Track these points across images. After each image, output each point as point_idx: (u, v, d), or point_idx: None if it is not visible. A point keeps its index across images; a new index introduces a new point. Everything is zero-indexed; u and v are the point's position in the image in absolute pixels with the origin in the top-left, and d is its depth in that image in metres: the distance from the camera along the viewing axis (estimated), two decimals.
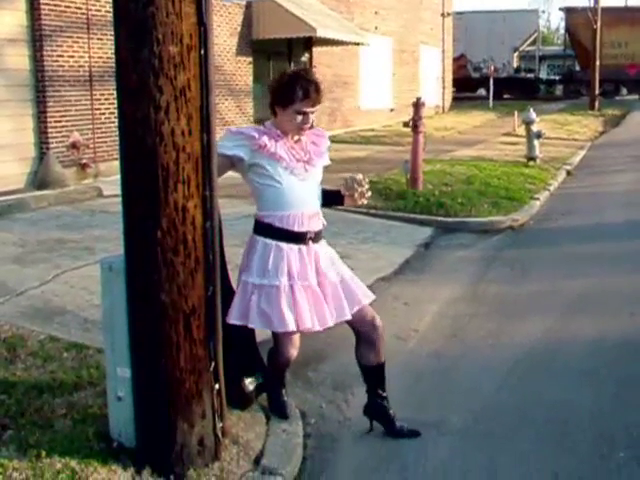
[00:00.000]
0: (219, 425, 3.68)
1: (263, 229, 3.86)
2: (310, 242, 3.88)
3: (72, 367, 4.66)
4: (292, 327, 3.79)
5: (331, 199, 4.08)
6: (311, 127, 3.92)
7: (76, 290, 6.38)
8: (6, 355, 4.82)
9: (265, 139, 3.77)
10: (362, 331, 4.04)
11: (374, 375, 4.17)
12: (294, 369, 4.56)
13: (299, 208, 3.84)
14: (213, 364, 3.61)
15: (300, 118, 3.80)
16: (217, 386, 3.65)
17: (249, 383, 4.23)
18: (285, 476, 3.69)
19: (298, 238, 3.84)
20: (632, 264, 7.96)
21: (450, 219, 10.10)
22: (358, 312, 3.97)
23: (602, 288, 7.09)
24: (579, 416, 4.46)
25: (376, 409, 4.22)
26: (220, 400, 3.70)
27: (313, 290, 3.84)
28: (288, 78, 3.82)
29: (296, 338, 4.04)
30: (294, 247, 3.83)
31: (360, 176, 3.98)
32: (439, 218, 10.10)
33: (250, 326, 3.88)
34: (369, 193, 4.01)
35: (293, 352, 4.07)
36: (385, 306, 6.39)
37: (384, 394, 4.20)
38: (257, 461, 3.75)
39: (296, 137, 3.91)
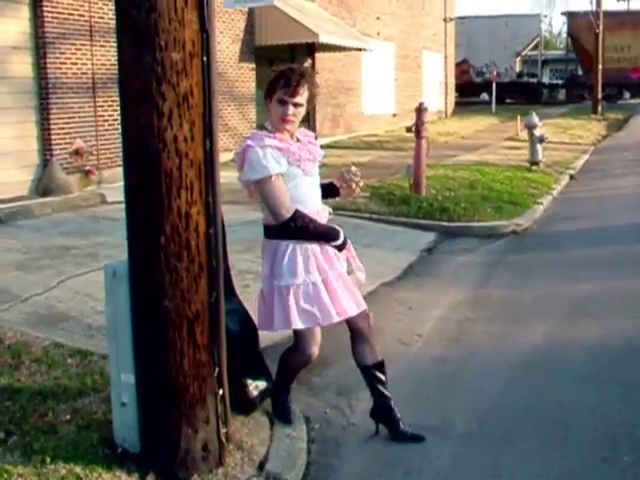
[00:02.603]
0: (223, 430, 3.69)
1: (280, 233, 3.87)
2: None
3: (76, 373, 4.66)
4: (336, 318, 3.88)
5: (327, 192, 4.18)
6: (306, 122, 3.97)
7: (80, 296, 6.39)
8: (10, 361, 4.83)
9: (289, 147, 3.82)
10: (359, 327, 4.09)
11: (374, 374, 4.18)
12: (298, 375, 4.55)
13: (313, 205, 3.93)
14: (217, 369, 3.62)
15: (281, 109, 3.81)
16: (221, 391, 3.66)
17: (253, 388, 4.23)
18: None
19: None
20: (635, 268, 7.94)
21: (453, 224, 10.10)
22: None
23: (605, 292, 7.07)
24: (582, 419, 4.45)
25: (382, 410, 4.22)
26: (224, 405, 3.71)
27: (344, 278, 3.95)
28: (278, 72, 3.89)
29: (318, 335, 4.04)
30: (314, 242, 3.89)
31: (354, 168, 4.13)
32: (442, 223, 10.11)
33: (294, 327, 3.90)
34: (362, 183, 4.15)
35: (315, 349, 4.05)
36: (389, 311, 6.41)
37: (388, 394, 4.21)
38: (261, 466, 3.75)
39: (296, 137, 3.96)
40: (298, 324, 3.85)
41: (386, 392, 4.21)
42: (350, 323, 4.08)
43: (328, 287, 3.86)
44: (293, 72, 3.84)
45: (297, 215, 3.80)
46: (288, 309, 3.82)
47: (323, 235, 3.91)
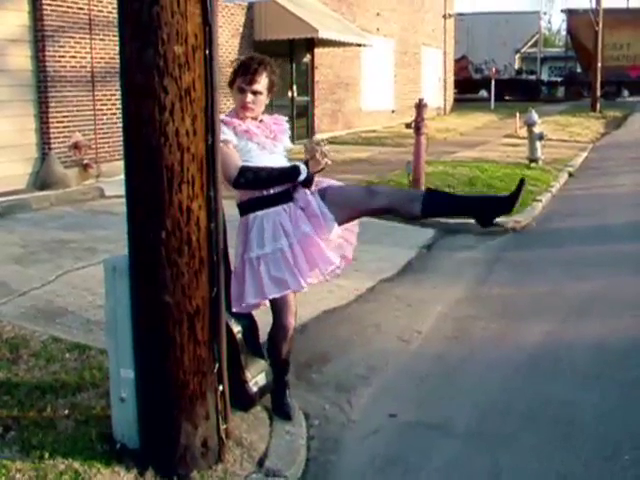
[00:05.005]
0: (223, 427, 3.67)
1: (248, 207, 3.97)
2: (290, 202, 3.98)
3: (75, 368, 4.64)
4: (304, 283, 3.92)
5: None
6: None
7: (78, 291, 6.37)
8: (8, 356, 4.81)
9: (235, 121, 3.96)
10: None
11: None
12: (297, 371, 4.54)
13: None
14: (217, 365, 3.60)
15: (240, 97, 3.96)
16: (221, 387, 3.64)
17: (252, 384, 4.21)
18: (289, 478, 3.68)
19: (279, 199, 3.95)
20: (634, 266, 7.93)
21: (452, 221, 10.04)
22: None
23: (605, 290, 7.06)
24: (583, 418, 4.44)
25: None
26: (224, 401, 3.69)
27: (310, 238, 3.92)
28: (238, 61, 4.07)
29: (293, 306, 4.12)
30: (278, 208, 3.93)
31: (317, 137, 4.17)
32: (441, 220, 10.06)
33: (267, 297, 3.95)
34: (331, 153, 4.08)
35: (291, 319, 4.14)
36: (388, 307, 6.39)
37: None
38: (261, 463, 3.74)
39: (259, 118, 4.07)
40: (270, 292, 3.90)
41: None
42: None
43: (294, 251, 3.90)
44: (252, 61, 3.98)
45: (244, 169, 3.87)
46: (260, 279, 3.88)
47: (282, 176, 3.95)
